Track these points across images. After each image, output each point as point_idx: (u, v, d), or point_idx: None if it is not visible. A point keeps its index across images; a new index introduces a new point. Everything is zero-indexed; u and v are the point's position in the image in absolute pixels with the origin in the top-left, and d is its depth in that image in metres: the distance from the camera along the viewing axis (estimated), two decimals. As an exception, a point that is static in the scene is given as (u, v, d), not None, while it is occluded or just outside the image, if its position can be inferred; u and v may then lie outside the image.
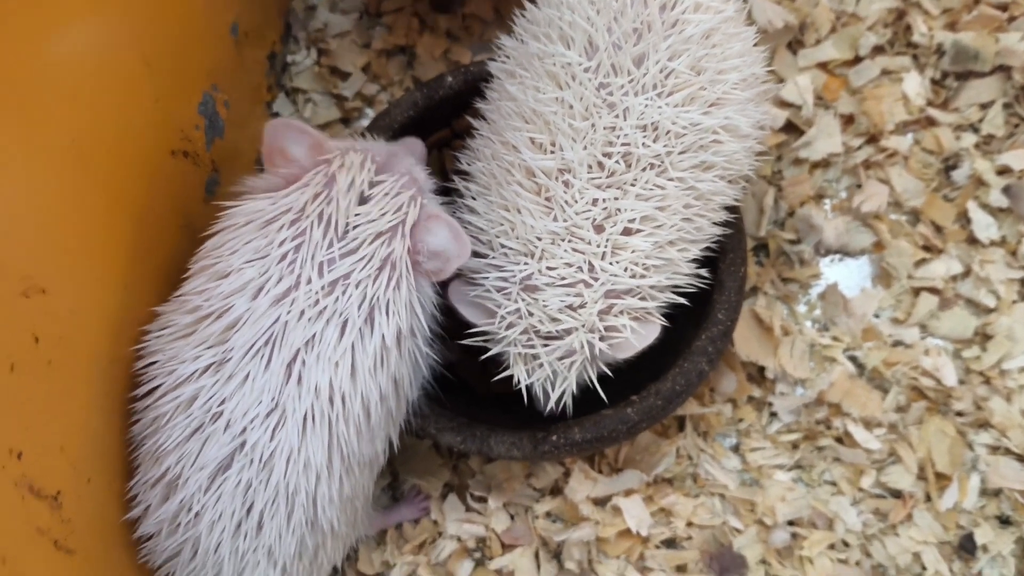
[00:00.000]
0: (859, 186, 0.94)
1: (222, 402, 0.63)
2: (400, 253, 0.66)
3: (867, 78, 0.96)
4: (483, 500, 0.88)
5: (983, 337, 0.90)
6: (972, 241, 0.92)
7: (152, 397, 0.66)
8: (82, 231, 0.64)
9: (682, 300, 0.72)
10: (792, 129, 0.96)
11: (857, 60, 0.97)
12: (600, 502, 0.87)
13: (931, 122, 0.95)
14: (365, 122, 1.00)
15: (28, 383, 0.57)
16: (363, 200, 0.67)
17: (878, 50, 0.97)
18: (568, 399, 0.73)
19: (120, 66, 0.69)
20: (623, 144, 0.67)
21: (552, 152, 0.69)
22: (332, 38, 1.03)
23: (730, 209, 0.75)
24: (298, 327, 0.63)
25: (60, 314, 0.61)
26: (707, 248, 0.74)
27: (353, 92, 1.01)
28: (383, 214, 0.66)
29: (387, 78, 1.01)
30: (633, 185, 0.68)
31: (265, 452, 0.63)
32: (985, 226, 0.91)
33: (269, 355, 0.63)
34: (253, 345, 0.63)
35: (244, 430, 0.63)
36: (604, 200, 0.68)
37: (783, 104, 0.96)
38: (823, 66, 0.97)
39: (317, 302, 0.64)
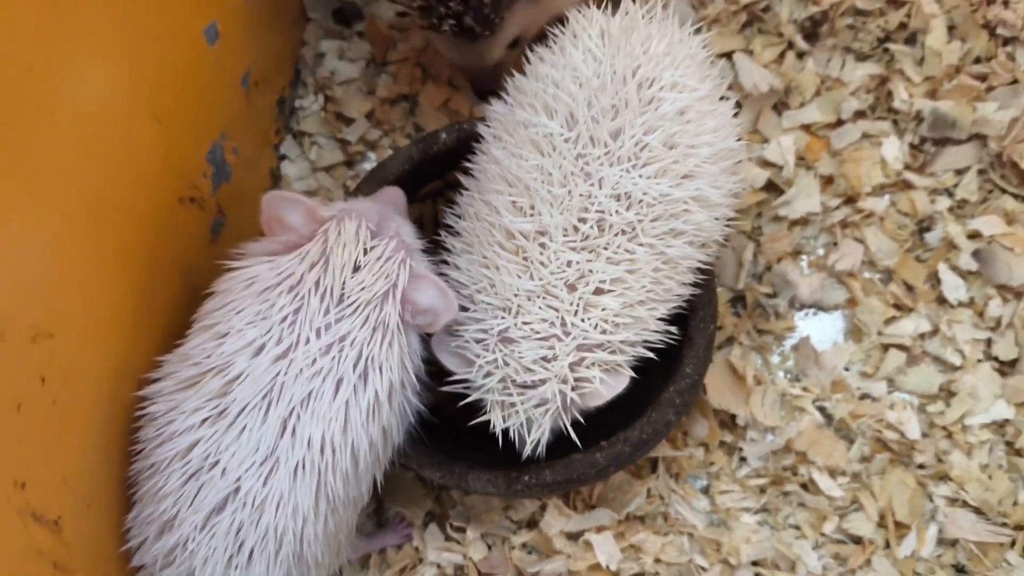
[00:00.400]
0: (835, 244, 0.98)
1: (219, 451, 0.68)
2: (392, 316, 0.71)
3: (848, 141, 1.00)
4: (462, 530, 0.93)
5: (947, 393, 0.94)
6: (941, 301, 0.96)
7: (152, 443, 0.70)
8: (90, 278, 0.69)
9: (651, 355, 0.77)
10: (773, 188, 1.00)
11: (839, 123, 1.01)
12: (573, 536, 0.91)
13: (907, 185, 0.98)
14: (367, 165, 1.05)
15: (33, 421, 0.62)
16: (356, 268, 0.71)
17: (860, 114, 1.01)
18: (543, 444, 0.77)
19: (131, 122, 0.74)
20: (597, 211, 0.72)
21: (531, 215, 0.74)
22: (339, 85, 1.07)
23: (703, 270, 0.79)
24: (295, 385, 0.68)
25: (66, 357, 0.65)
26: (678, 306, 0.79)
27: (357, 137, 1.05)
28: (376, 280, 0.71)
29: (389, 124, 1.06)
30: (605, 249, 0.72)
31: (257, 498, 0.68)
32: (954, 287, 0.95)
33: (266, 410, 0.68)
34: (251, 401, 0.68)
35: (239, 478, 0.68)
36: (577, 262, 0.72)
37: (765, 164, 1.00)
38: (806, 128, 1.01)
39: (314, 361, 0.68)
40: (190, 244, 0.84)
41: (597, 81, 0.73)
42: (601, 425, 0.79)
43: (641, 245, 0.73)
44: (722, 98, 0.78)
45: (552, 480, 0.80)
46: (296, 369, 0.68)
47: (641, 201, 0.72)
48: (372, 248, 0.72)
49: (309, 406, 0.68)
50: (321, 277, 0.70)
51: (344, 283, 0.70)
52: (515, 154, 0.75)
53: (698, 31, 0.79)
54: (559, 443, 0.78)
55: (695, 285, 0.79)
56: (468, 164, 0.81)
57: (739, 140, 0.79)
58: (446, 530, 0.94)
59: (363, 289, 0.70)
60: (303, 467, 0.69)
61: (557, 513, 0.91)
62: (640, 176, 0.72)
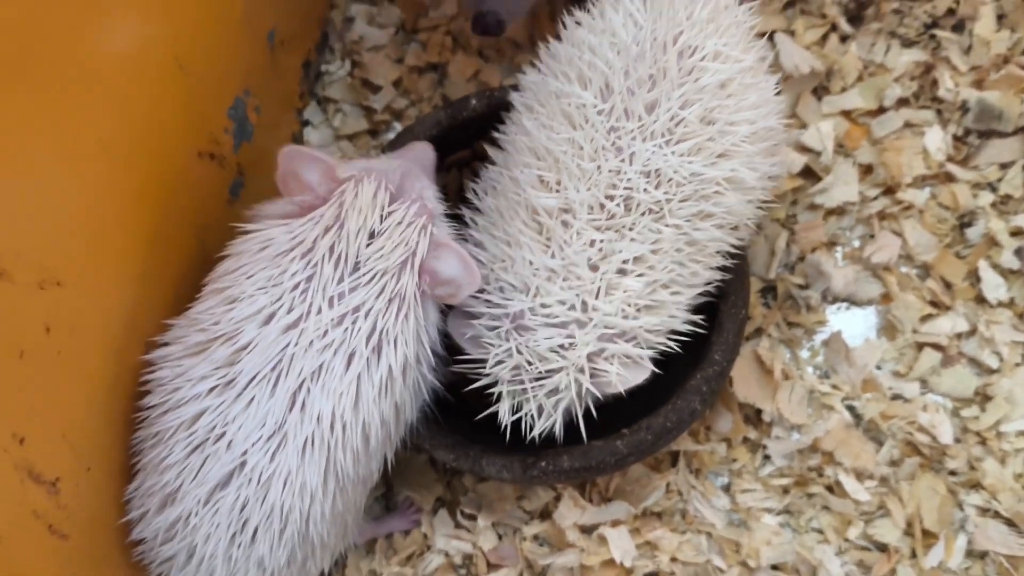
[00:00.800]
0: (872, 236, 0.95)
1: (226, 423, 0.65)
2: (409, 286, 0.68)
3: (889, 129, 0.96)
4: (473, 518, 0.90)
5: (983, 397, 0.90)
6: (980, 300, 0.92)
7: (158, 411, 0.68)
8: (104, 227, 0.67)
9: (675, 347, 0.73)
10: (810, 174, 0.96)
11: (881, 110, 0.97)
12: (587, 530, 0.88)
13: (949, 178, 0.95)
14: (392, 135, 1.02)
15: (36, 371, 0.59)
16: (373, 234, 0.68)
17: (903, 102, 0.97)
18: (559, 431, 0.74)
19: (154, 68, 0.72)
20: (625, 188, 0.69)
21: (557, 190, 0.71)
22: (367, 51, 1.05)
23: (735, 254, 0.76)
24: (306, 357, 0.65)
25: (74, 306, 0.63)
26: (707, 293, 0.75)
27: (383, 105, 1.03)
28: (394, 247, 0.68)
29: (417, 94, 1.03)
30: (630, 229, 0.69)
31: (264, 473, 0.65)
32: (994, 286, 0.92)
33: (275, 382, 0.65)
34: (260, 372, 0.65)
35: (245, 452, 0.65)
36: (601, 241, 0.69)
37: (803, 149, 0.96)
38: (846, 114, 0.98)
39: (326, 333, 0.65)
40: (207, 202, 0.81)
41: (636, 49, 0.70)
42: (622, 411, 0.76)
43: (668, 226, 0.70)
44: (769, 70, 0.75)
45: (570, 467, 0.77)
46: (307, 340, 0.65)
47: (671, 180, 0.69)
48: (390, 213, 0.69)
49: (319, 380, 0.66)
50: (335, 243, 0.67)
51: (359, 250, 0.67)
52: (546, 125, 0.72)
53: (740, 3, 0.76)
54: (577, 429, 0.75)
55: (725, 269, 0.76)
56: (497, 135, 0.78)
57: (780, 119, 0.75)
58: (456, 517, 0.91)
59: (380, 257, 0.67)
60: (312, 443, 0.66)
61: (572, 504, 0.88)
62: (672, 153, 0.69)
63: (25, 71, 0.56)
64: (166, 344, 0.70)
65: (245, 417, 0.65)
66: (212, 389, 0.66)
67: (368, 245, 0.67)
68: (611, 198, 0.69)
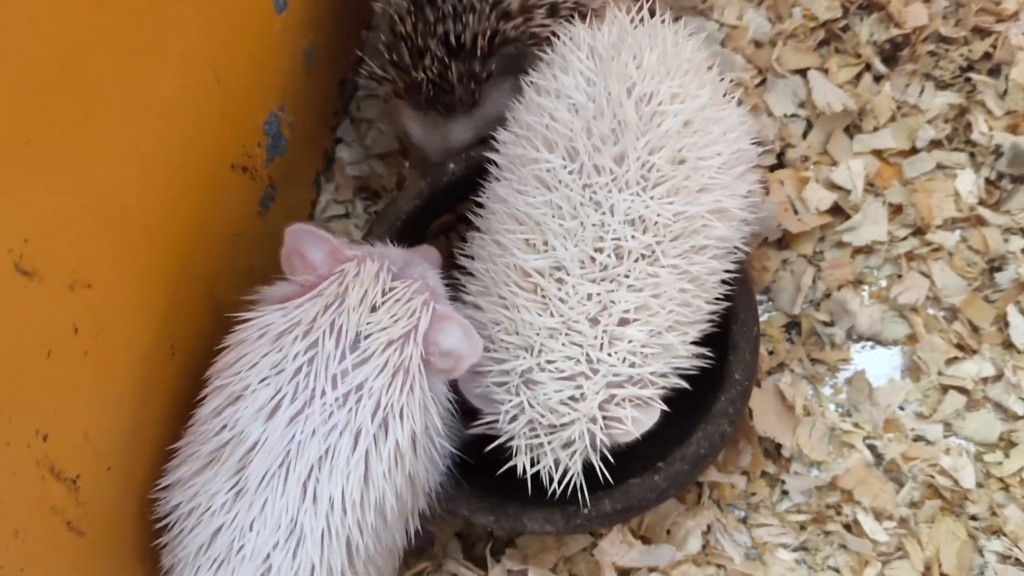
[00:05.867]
0: (899, 276, 0.95)
1: (244, 534, 0.65)
2: (414, 358, 0.67)
3: (921, 170, 0.96)
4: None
5: (1008, 443, 0.89)
6: (1008, 346, 0.91)
7: (177, 538, 0.68)
8: (135, 233, 0.68)
9: (685, 385, 0.74)
10: (838, 212, 0.96)
11: (913, 151, 0.97)
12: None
13: (980, 221, 0.94)
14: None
15: (62, 370, 0.60)
16: (374, 308, 0.68)
17: (935, 144, 0.97)
18: (578, 481, 0.73)
19: (192, 82, 0.73)
20: (613, 239, 0.70)
21: (544, 251, 0.71)
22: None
23: (733, 277, 0.76)
24: (312, 443, 0.65)
25: (103, 309, 0.64)
26: (714, 322, 0.76)
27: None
28: (395, 321, 0.67)
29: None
30: (626, 277, 0.70)
31: (291, 571, 0.65)
32: (1022, 332, 0.91)
33: (285, 477, 0.65)
34: (269, 470, 0.65)
35: (268, 555, 0.65)
36: (598, 294, 0.70)
37: (832, 186, 0.97)
38: (878, 153, 0.98)
39: (331, 415, 0.65)
40: (238, 213, 0.83)
41: (593, 106, 0.71)
42: (639, 451, 0.75)
43: (664, 267, 0.70)
44: (725, 95, 0.76)
45: (612, 509, 0.76)
46: (311, 427, 0.65)
47: (656, 223, 0.70)
48: (392, 289, 0.69)
49: (326, 464, 0.65)
50: (336, 318, 0.67)
51: (360, 322, 0.67)
52: (521, 191, 0.73)
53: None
54: (614, 468, 0.74)
55: (727, 296, 0.76)
56: (476, 200, 0.79)
57: (749, 140, 0.76)
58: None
59: (382, 330, 0.67)
60: (329, 532, 0.66)
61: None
62: (651, 198, 0.70)
63: (72, 84, 0.58)
64: (178, 464, 0.70)
65: (262, 522, 0.65)
66: (224, 504, 0.66)
67: (369, 319, 0.67)
68: (600, 250, 0.69)
